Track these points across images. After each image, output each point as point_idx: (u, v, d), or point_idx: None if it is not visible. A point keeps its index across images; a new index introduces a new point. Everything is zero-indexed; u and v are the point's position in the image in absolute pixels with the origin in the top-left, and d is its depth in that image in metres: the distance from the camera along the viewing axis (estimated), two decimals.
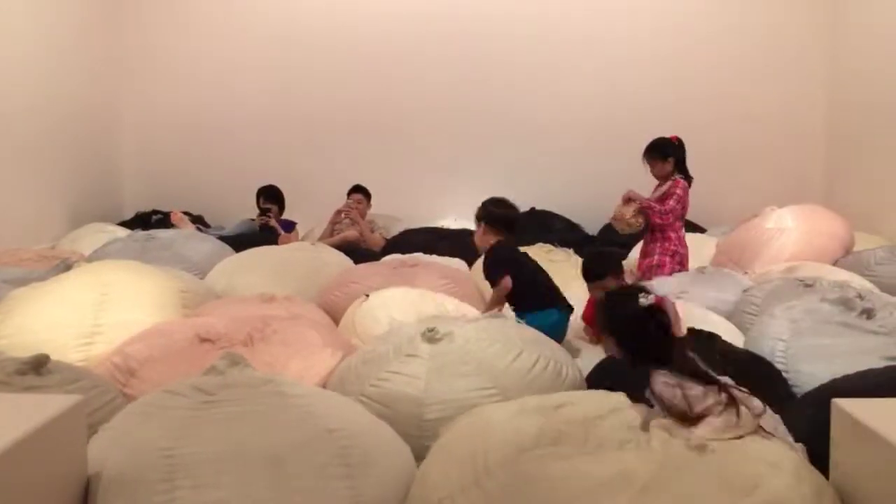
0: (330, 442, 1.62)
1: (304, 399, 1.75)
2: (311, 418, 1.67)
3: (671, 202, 3.92)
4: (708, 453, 1.47)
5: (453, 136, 6.12)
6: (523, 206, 5.80)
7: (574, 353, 2.76)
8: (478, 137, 6.09)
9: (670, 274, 3.79)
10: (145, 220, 5.66)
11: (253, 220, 5.33)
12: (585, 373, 2.42)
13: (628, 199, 3.97)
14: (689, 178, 4.00)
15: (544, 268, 3.25)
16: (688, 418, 1.57)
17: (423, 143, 6.10)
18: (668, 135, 4.04)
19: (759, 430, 1.59)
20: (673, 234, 3.97)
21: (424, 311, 2.99)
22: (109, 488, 1.48)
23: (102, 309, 2.78)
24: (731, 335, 2.78)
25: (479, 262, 4.16)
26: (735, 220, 5.05)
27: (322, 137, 6.16)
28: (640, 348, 1.78)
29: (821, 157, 6.00)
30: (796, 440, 1.61)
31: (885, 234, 4.86)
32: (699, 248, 4.48)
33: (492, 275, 3.18)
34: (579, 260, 4.01)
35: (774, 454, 1.51)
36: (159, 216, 5.70)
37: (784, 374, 2.40)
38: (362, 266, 3.92)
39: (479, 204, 3.35)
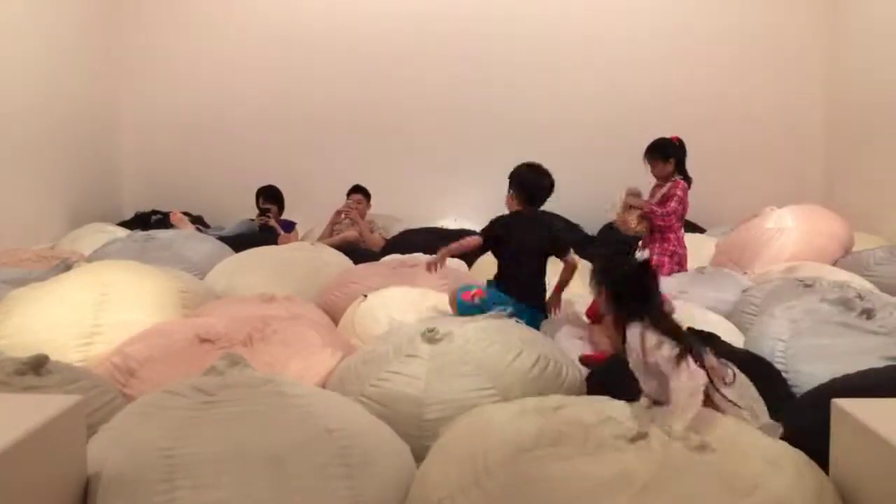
0: (330, 442, 1.62)
1: (304, 399, 1.75)
2: (311, 418, 1.67)
3: (672, 204, 3.93)
4: (708, 453, 1.47)
5: (453, 137, 6.12)
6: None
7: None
8: (478, 137, 6.09)
9: (669, 274, 3.79)
10: (145, 221, 5.66)
11: (252, 220, 5.34)
12: (586, 373, 2.42)
13: (630, 207, 3.97)
14: (688, 180, 4.01)
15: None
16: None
17: (423, 143, 6.10)
18: (668, 135, 4.04)
19: (715, 392, 1.72)
20: (672, 235, 3.97)
21: (424, 312, 3.00)
22: (109, 488, 1.48)
23: (102, 309, 2.78)
24: (731, 335, 2.78)
25: (479, 262, 4.17)
26: (735, 220, 5.06)
27: (322, 137, 6.16)
28: (632, 302, 1.87)
29: (820, 157, 6.01)
30: (796, 440, 1.61)
31: (885, 234, 4.86)
32: (699, 248, 4.48)
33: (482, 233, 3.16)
34: (579, 260, 4.01)
35: (775, 453, 1.51)
36: (159, 216, 5.70)
37: (784, 375, 2.40)
38: (362, 266, 3.92)
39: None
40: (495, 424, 1.66)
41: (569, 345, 2.73)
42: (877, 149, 5.23)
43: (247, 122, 6.18)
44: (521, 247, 3.09)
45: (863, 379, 2.08)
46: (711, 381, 1.75)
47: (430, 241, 4.77)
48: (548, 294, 3.16)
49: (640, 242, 4.11)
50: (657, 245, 3.98)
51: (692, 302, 3.11)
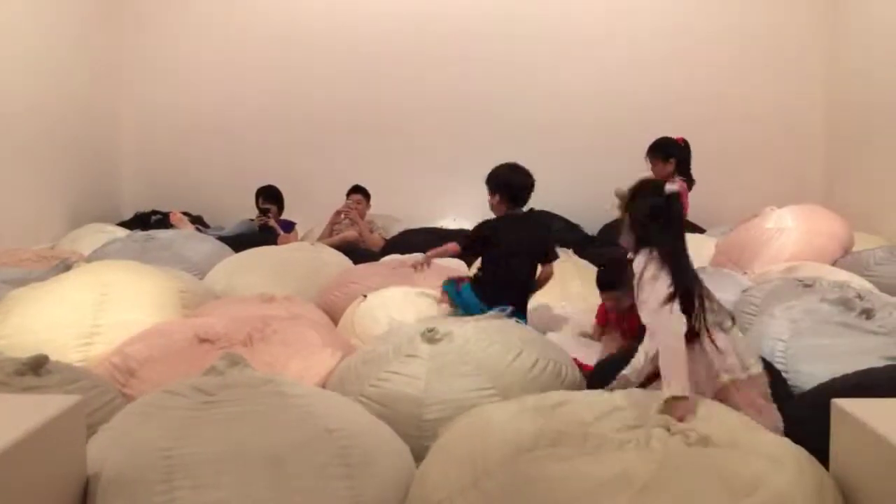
0: (330, 442, 1.62)
1: (304, 399, 1.75)
2: (311, 418, 1.67)
3: None
4: (709, 449, 1.47)
5: (453, 137, 6.11)
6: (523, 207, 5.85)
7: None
8: (477, 137, 6.09)
9: None
10: (144, 221, 5.66)
11: (252, 220, 5.34)
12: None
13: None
14: (691, 181, 3.98)
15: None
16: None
17: (423, 143, 6.10)
18: (667, 135, 4.03)
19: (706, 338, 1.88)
20: None
21: (424, 311, 3.00)
22: (109, 488, 1.48)
23: (102, 309, 2.78)
24: None
25: (479, 263, 4.16)
26: (735, 220, 5.05)
27: (321, 137, 6.16)
28: (649, 227, 1.99)
29: (820, 157, 6.00)
30: (796, 439, 1.61)
31: (885, 234, 4.85)
32: (699, 248, 4.46)
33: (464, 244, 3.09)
34: (579, 260, 4.01)
35: (777, 450, 1.50)
36: (158, 216, 5.70)
37: (784, 375, 2.40)
38: (362, 266, 3.92)
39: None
40: (495, 424, 1.66)
41: (568, 346, 2.73)
42: (877, 149, 5.23)
43: (247, 122, 6.17)
44: (511, 249, 3.02)
45: (863, 379, 2.08)
46: (707, 327, 1.86)
47: (429, 241, 4.76)
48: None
49: None
50: None
51: None
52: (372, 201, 5.42)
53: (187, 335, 2.49)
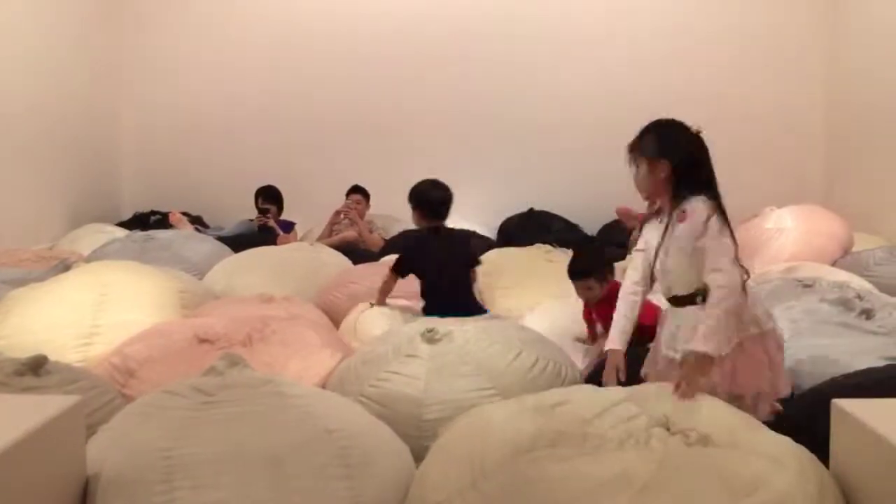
0: (329, 442, 1.62)
1: (304, 399, 1.75)
2: (311, 419, 1.67)
3: None
4: (709, 449, 1.46)
5: (453, 137, 6.11)
6: (523, 207, 5.85)
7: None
8: (477, 138, 6.09)
9: None
10: (144, 221, 5.66)
11: (252, 220, 5.33)
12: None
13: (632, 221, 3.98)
14: None
15: (542, 268, 3.24)
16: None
17: (423, 143, 6.09)
18: None
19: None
20: None
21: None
22: (108, 489, 1.48)
23: (101, 309, 2.79)
24: None
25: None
26: (734, 220, 5.02)
27: (321, 138, 6.15)
28: (690, 169, 1.98)
29: (820, 158, 6.00)
30: (796, 440, 1.61)
31: (885, 234, 4.85)
32: None
33: (394, 264, 3.21)
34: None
35: (777, 449, 1.50)
36: (158, 216, 5.69)
37: None
38: (361, 266, 3.92)
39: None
40: (494, 424, 1.66)
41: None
42: (877, 149, 5.23)
43: (246, 123, 6.17)
44: (437, 260, 3.14)
45: (863, 379, 2.08)
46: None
47: None
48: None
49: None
50: None
51: None
52: (371, 201, 5.41)
53: (187, 335, 2.49)
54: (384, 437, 1.83)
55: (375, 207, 5.47)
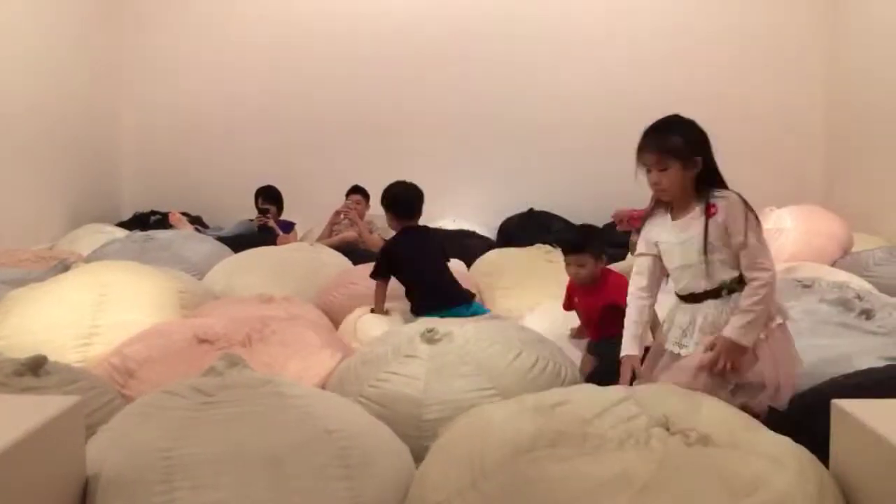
0: (329, 443, 1.61)
1: (303, 400, 1.74)
2: (310, 419, 1.67)
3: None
4: (709, 449, 1.46)
5: (453, 137, 6.11)
6: (523, 207, 5.86)
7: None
8: (477, 138, 6.09)
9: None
10: (144, 221, 5.66)
11: (251, 220, 5.33)
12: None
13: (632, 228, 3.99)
14: None
15: (541, 268, 3.24)
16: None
17: (423, 143, 6.10)
18: None
19: None
20: None
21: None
22: (108, 489, 1.48)
23: (101, 310, 2.79)
24: None
25: (478, 263, 4.17)
26: None
27: (321, 138, 6.15)
28: (712, 164, 2.06)
29: (820, 158, 6.00)
30: (796, 439, 1.61)
31: (884, 234, 4.85)
32: None
33: (372, 272, 3.25)
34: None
35: (777, 450, 1.50)
36: (158, 217, 5.70)
37: None
38: (361, 267, 3.91)
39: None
40: (494, 424, 1.66)
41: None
42: (877, 149, 5.23)
43: (246, 123, 6.17)
44: (415, 258, 3.19)
45: (863, 379, 2.08)
46: None
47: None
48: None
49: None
50: None
51: None
52: (371, 202, 5.41)
53: (186, 336, 2.49)
54: (384, 437, 1.83)
55: (375, 208, 5.46)
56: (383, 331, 2.89)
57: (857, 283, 3.35)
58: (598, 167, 5.67)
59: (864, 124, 5.42)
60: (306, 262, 4.03)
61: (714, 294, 1.99)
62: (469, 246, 4.64)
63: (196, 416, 1.64)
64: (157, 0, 6.23)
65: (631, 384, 2.03)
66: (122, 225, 5.58)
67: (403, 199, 3.29)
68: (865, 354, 2.34)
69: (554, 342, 2.62)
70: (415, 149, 6.08)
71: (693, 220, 2.02)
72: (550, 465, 1.46)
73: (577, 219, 5.61)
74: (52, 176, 5.33)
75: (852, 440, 1.47)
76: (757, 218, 1.99)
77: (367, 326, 3.04)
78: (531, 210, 5.71)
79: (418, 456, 1.78)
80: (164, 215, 5.56)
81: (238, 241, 4.59)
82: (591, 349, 2.67)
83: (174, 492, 1.47)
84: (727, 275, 1.97)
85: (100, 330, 2.72)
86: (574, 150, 5.95)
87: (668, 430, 1.53)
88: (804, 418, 1.86)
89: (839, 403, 1.52)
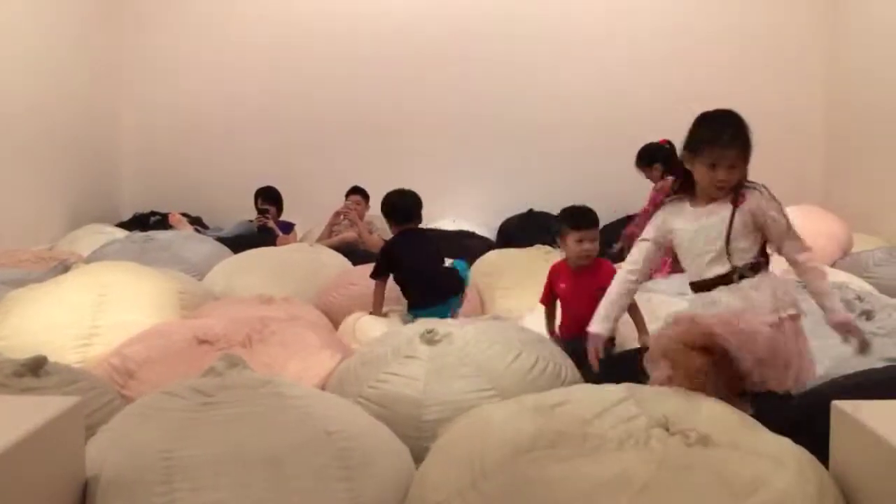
0: (329, 443, 1.61)
1: (303, 400, 1.74)
2: (310, 420, 1.67)
3: (646, 206, 4.04)
4: (709, 449, 1.46)
5: (452, 137, 6.12)
6: (522, 207, 5.86)
7: None
8: (477, 138, 6.09)
9: (668, 275, 3.78)
10: (143, 222, 5.66)
11: (251, 221, 5.33)
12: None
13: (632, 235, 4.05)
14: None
15: (542, 269, 3.24)
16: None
17: (423, 143, 6.10)
18: (666, 135, 4.04)
19: None
20: None
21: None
22: (108, 490, 1.48)
23: (100, 310, 2.79)
24: None
25: (478, 264, 4.17)
26: None
27: (321, 138, 6.16)
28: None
29: (820, 158, 6.00)
30: (796, 440, 1.61)
31: (884, 235, 4.85)
32: None
33: (372, 272, 3.31)
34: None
35: (777, 450, 1.50)
36: (157, 217, 5.70)
37: None
38: (361, 267, 3.91)
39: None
40: (494, 425, 1.66)
41: None
42: (877, 149, 5.23)
43: (246, 123, 6.17)
44: (413, 258, 3.24)
45: (863, 379, 2.08)
46: None
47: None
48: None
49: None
50: None
51: None
52: (371, 202, 5.41)
53: (186, 336, 2.49)
54: (384, 437, 1.83)
55: (375, 208, 5.46)
56: (382, 332, 2.89)
57: (857, 283, 3.35)
58: (598, 167, 5.67)
59: (864, 124, 5.42)
60: (306, 262, 4.03)
61: (726, 279, 2.03)
62: (469, 246, 4.64)
63: (196, 416, 1.64)
64: (157, 0, 6.23)
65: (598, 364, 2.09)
66: (122, 225, 5.58)
67: (401, 207, 3.37)
68: (865, 355, 2.34)
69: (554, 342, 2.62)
70: (415, 149, 6.08)
71: (718, 207, 2.06)
72: (550, 466, 1.46)
73: None
74: (52, 176, 5.33)
75: (852, 441, 1.47)
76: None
77: (367, 327, 3.04)
78: (531, 210, 5.71)
79: (418, 456, 1.78)
80: (164, 216, 5.56)
81: (238, 242, 4.59)
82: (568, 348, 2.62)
83: (174, 492, 1.46)
84: (741, 262, 2.03)
85: (100, 330, 2.72)
86: (574, 151, 5.95)
87: (667, 430, 1.53)
88: (804, 418, 1.86)
89: (839, 404, 1.52)
